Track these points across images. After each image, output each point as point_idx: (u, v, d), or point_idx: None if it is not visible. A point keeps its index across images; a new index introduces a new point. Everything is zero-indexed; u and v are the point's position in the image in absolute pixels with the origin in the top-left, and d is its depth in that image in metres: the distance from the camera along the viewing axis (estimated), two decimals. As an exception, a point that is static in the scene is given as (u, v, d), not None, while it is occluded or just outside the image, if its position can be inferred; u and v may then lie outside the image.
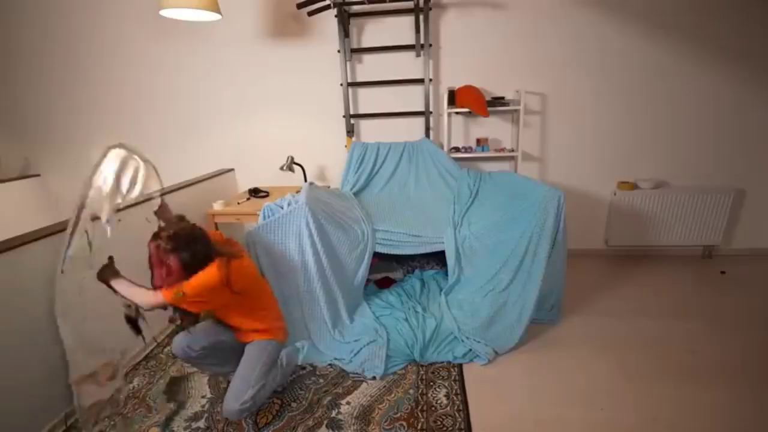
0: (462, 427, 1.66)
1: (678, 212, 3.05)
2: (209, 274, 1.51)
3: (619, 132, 3.05)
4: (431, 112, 3.07)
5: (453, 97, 2.93)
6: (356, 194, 2.90)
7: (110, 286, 1.50)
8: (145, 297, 1.48)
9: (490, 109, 2.88)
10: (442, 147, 3.07)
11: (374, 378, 1.96)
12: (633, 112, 3.00)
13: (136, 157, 1.57)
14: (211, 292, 1.53)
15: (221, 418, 1.74)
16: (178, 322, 1.69)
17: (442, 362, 2.07)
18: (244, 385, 1.63)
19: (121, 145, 1.56)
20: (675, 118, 2.98)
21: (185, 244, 1.51)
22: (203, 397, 1.90)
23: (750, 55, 2.80)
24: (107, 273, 1.52)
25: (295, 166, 3.12)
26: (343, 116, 3.17)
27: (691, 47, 2.83)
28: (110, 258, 1.56)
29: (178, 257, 1.49)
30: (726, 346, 2.11)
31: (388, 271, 2.80)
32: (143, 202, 1.64)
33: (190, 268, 1.50)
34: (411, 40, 2.98)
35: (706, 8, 2.75)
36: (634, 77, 2.92)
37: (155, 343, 2.33)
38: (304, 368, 2.07)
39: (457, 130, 3.17)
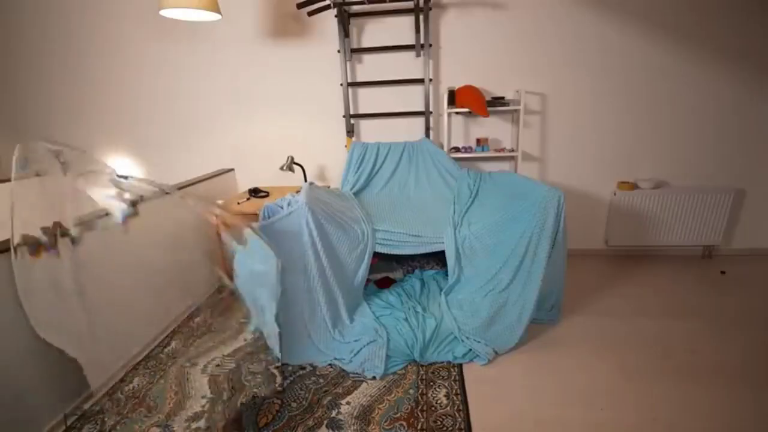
0: (462, 427, 1.66)
1: (678, 212, 3.05)
2: None
3: (619, 132, 3.05)
4: (431, 112, 3.07)
5: (453, 97, 2.92)
6: (356, 194, 2.90)
7: None
8: None
9: (490, 109, 2.88)
10: (442, 147, 3.07)
11: (374, 378, 1.96)
12: (633, 112, 3.00)
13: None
14: None
15: (221, 418, 1.74)
16: None
17: (442, 362, 2.08)
18: None
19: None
20: (675, 118, 2.98)
21: None
22: (203, 397, 1.90)
23: (750, 55, 2.80)
24: None
25: (295, 166, 3.12)
26: (343, 116, 3.17)
27: (691, 47, 2.83)
28: None
29: None
30: (726, 346, 2.11)
31: (388, 271, 2.80)
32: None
33: None
34: (411, 40, 2.98)
35: (706, 8, 2.75)
36: (634, 77, 2.92)
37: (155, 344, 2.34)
38: (304, 368, 2.07)
39: (457, 130, 3.17)
